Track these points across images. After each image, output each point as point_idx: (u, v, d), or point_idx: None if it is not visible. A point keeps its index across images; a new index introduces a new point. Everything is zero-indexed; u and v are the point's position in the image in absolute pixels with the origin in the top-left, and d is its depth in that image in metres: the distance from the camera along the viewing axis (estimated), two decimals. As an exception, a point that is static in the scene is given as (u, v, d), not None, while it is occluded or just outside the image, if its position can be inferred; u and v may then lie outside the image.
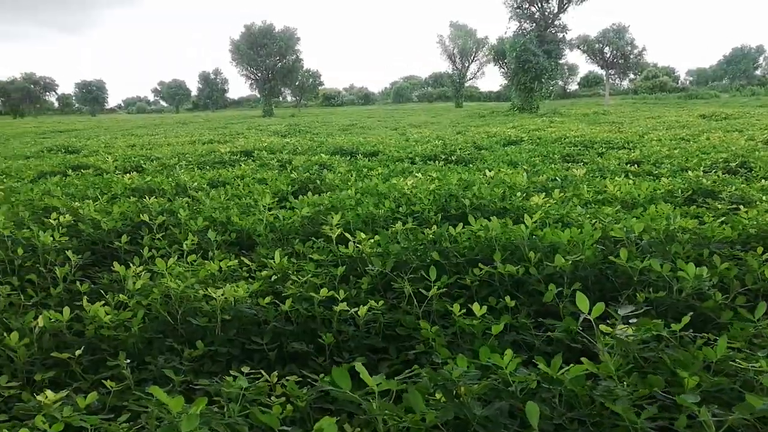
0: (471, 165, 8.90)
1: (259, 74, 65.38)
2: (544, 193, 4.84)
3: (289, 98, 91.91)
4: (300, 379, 2.14)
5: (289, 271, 3.31)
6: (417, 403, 1.56)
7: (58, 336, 2.75)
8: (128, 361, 2.31)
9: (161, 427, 1.56)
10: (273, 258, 3.44)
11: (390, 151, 11.06)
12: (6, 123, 55.74)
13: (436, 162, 9.29)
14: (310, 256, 3.62)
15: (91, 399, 1.93)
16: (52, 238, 3.95)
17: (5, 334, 2.60)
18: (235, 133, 21.54)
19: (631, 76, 75.91)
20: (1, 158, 13.48)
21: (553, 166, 8.18)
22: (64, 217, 4.51)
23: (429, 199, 5.00)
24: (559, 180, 6.42)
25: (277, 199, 5.55)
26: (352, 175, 7.36)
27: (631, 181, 5.84)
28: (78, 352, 2.46)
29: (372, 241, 3.59)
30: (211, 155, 11.20)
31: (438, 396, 1.75)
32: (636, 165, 7.99)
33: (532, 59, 39.62)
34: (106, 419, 1.80)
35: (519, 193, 5.05)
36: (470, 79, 72.44)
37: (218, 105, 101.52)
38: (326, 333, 2.62)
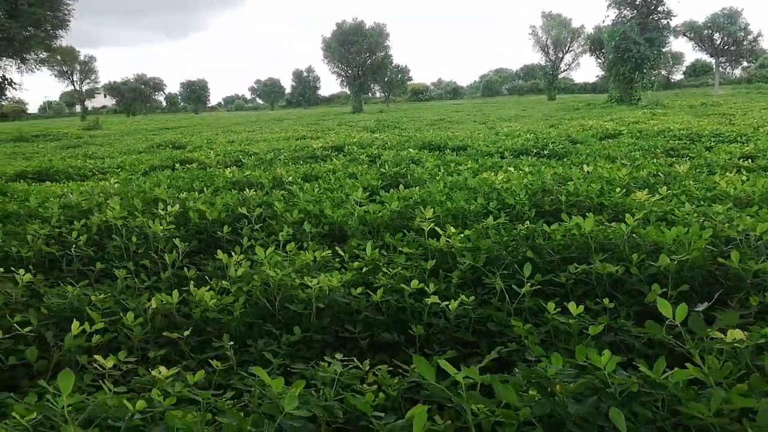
0: (565, 159, 8.59)
1: (350, 71, 66.65)
2: (646, 189, 4.57)
3: (378, 94, 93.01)
4: (391, 368, 2.18)
5: (380, 263, 3.36)
6: (509, 397, 1.54)
7: (168, 317, 2.97)
8: (231, 343, 2.45)
9: (263, 405, 1.65)
10: (364, 250, 3.52)
11: (479, 145, 10.91)
12: (120, 121, 60.78)
13: (528, 156, 9.05)
14: (400, 248, 3.66)
15: (199, 376, 2.08)
16: (162, 227, 4.26)
17: (122, 313, 2.85)
18: (327, 129, 22.15)
19: (745, 64, 69.81)
20: (117, 153, 14.72)
21: (654, 161, 7.70)
22: (173, 208, 4.85)
23: (521, 195, 4.88)
24: (662, 176, 6.03)
25: (367, 192, 5.65)
26: (440, 170, 7.34)
27: (744, 177, 5.38)
28: (186, 333, 2.65)
29: (462, 235, 3.57)
30: (304, 150, 11.59)
31: (531, 393, 1.71)
32: (750, 160, 7.35)
33: (633, 48, 37.37)
34: (213, 395, 1.92)
35: (618, 189, 4.81)
36: (564, 71, 69.81)
37: (310, 102, 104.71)
38: (416, 325, 2.65)
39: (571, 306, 2.41)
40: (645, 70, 38.41)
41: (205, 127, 34.21)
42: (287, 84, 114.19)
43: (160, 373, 2.07)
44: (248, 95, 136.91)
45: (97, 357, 2.24)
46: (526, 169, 6.34)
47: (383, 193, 5.49)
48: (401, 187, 5.46)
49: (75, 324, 2.61)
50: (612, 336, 2.48)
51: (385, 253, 3.63)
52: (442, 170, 7.28)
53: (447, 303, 2.70)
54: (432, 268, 3.26)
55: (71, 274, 3.86)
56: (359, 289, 2.91)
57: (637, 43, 37.46)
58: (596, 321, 2.30)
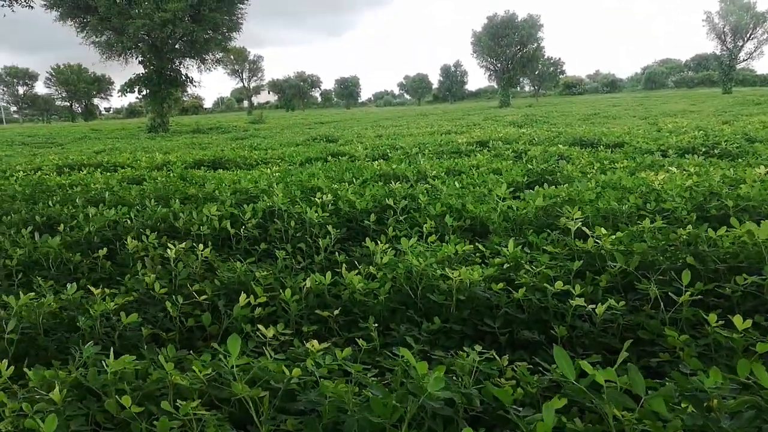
0: (740, 160, 7.67)
1: (499, 65, 65.45)
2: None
3: (527, 88, 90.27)
4: (530, 366, 2.16)
5: (522, 261, 3.32)
6: (658, 406, 1.46)
7: (320, 296, 3.22)
8: (376, 325, 2.60)
9: (404, 385, 1.75)
10: (506, 246, 3.49)
11: (637, 142, 10.14)
12: (280, 115, 65.83)
13: (694, 156, 8.24)
14: (544, 247, 3.58)
15: (347, 353, 2.24)
16: (317, 214, 4.61)
17: (281, 290, 3.15)
18: (472, 124, 22.02)
19: None
20: (277, 144, 16.01)
21: None
22: (326, 197, 5.21)
23: (683, 197, 4.49)
24: None
25: (511, 189, 5.56)
26: (592, 167, 6.98)
27: None
28: (336, 312, 2.86)
29: (613, 237, 3.40)
30: (448, 145, 11.66)
31: (683, 405, 1.61)
32: None
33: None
34: (359, 372, 2.07)
35: (805, 195, 4.22)
36: (744, 61, 61.89)
37: (456, 97, 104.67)
38: (559, 326, 2.59)
39: (737, 320, 2.20)
40: None
41: (355, 122, 35.82)
42: (434, 79, 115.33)
43: (313, 345, 2.27)
44: (396, 91, 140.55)
45: (260, 326, 2.51)
46: (691, 170, 5.79)
47: (528, 191, 5.37)
48: (546, 184, 5.30)
49: (242, 296, 2.94)
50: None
51: (527, 251, 3.58)
52: (595, 168, 6.91)
53: (593, 306, 2.60)
54: (578, 269, 3.14)
55: (239, 252, 4.34)
56: (500, 285, 2.91)
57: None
58: (765, 339, 2.08)
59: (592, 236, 3.43)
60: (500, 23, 65.00)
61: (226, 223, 4.62)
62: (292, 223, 4.58)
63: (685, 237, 3.33)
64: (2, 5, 11.48)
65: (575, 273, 3.14)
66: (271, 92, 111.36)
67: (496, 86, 72.56)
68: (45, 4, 31.46)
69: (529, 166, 7.24)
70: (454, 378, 1.92)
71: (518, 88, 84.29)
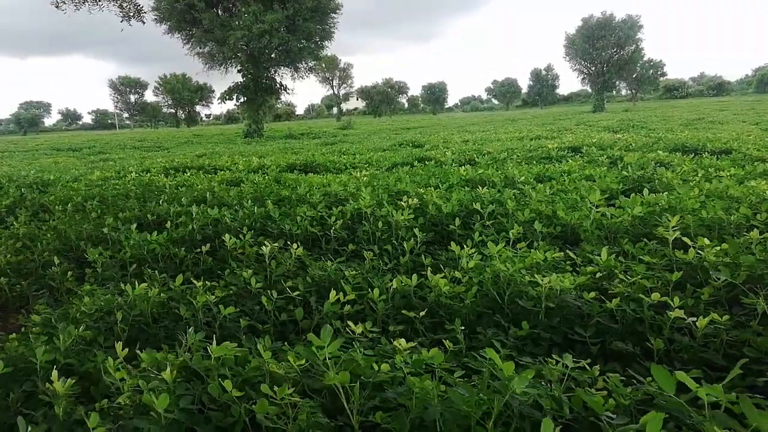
0: None
1: (593, 68, 62.91)
2: None
3: (623, 92, 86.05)
4: (623, 378, 2.09)
5: (616, 270, 3.20)
6: (763, 424, 1.37)
7: (406, 298, 3.27)
8: (462, 328, 2.61)
9: (491, 386, 1.76)
10: (599, 255, 3.38)
11: (747, 149, 9.39)
12: (367, 121, 67.04)
13: (815, 164, 7.50)
14: (640, 257, 3.43)
15: (433, 353, 2.27)
16: (403, 217, 4.67)
17: (369, 289, 3.23)
18: (563, 129, 21.32)
19: None
20: (365, 150, 16.33)
21: None
22: (412, 200, 5.27)
23: (800, 207, 4.12)
24: None
25: (605, 196, 5.35)
26: (695, 175, 6.56)
27: None
28: (421, 314, 2.90)
29: (718, 248, 3.19)
30: (538, 150, 11.38)
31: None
32: None
33: None
34: (445, 371, 2.09)
35: None
36: None
37: (547, 101, 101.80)
38: (656, 338, 2.47)
39: None
40: None
41: (441, 127, 35.76)
42: (524, 83, 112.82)
43: (400, 344, 2.32)
44: (484, 96, 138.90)
45: (349, 323, 2.60)
46: (812, 179, 5.30)
47: (623, 198, 5.15)
48: (646, 191, 5.04)
49: (332, 293, 3.05)
50: None
51: (622, 261, 3.44)
52: (698, 176, 6.49)
53: (694, 319, 2.47)
54: (677, 280, 2.98)
55: (329, 252, 4.49)
56: (592, 294, 2.82)
57: None
58: None
59: (694, 247, 3.24)
60: (596, 25, 62.46)
61: (316, 225, 4.80)
62: (380, 225, 4.67)
63: (801, 250, 3.07)
64: (121, 21, 12.60)
65: (674, 284, 2.99)
66: (359, 99, 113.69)
67: (589, 90, 69.79)
68: (156, 19, 34.10)
69: (625, 172, 6.93)
70: (542, 383, 1.90)
71: (614, 92, 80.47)
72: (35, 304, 4.01)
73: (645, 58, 67.99)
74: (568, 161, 9.10)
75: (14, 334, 3.13)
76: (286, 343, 2.66)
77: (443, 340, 2.48)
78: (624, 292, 2.87)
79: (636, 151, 10.29)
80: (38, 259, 4.77)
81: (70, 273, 4.36)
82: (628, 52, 62.89)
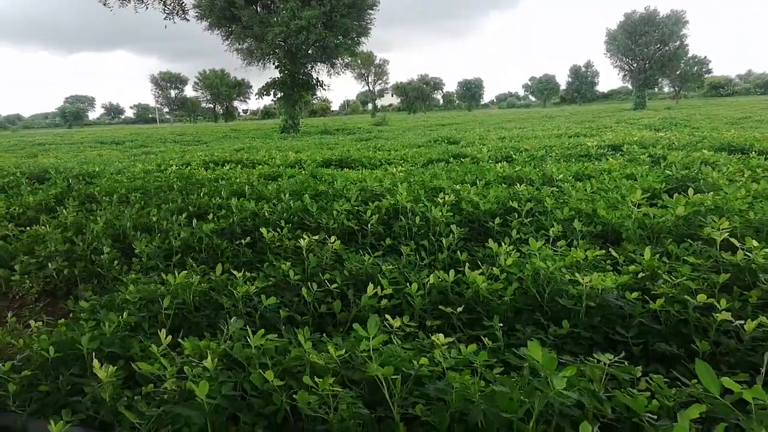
0: None
1: (635, 64, 61.28)
2: None
3: (665, 89, 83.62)
4: (667, 380, 2.05)
5: (660, 271, 3.13)
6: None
7: (443, 293, 3.27)
8: (500, 325, 2.60)
9: (531, 383, 1.74)
10: (641, 254, 3.31)
11: (799, 149, 9.02)
12: (402, 118, 66.91)
13: None
14: (685, 258, 3.34)
15: (471, 349, 2.26)
16: (440, 213, 4.66)
17: (406, 284, 3.24)
18: (602, 127, 20.86)
19: None
20: (400, 146, 16.32)
21: None
22: (449, 197, 5.25)
23: None
24: None
25: (648, 195, 5.23)
26: (742, 175, 6.34)
27: None
28: (459, 310, 2.90)
29: (766, 250, 3.09)
30: (576, 148, 11.17)
31: None
32: None
33: None
34: (485, 367, 2.09)
35: None
36: None
37: (585, 98, 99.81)
38: (701, 340, 2.41)
39: None
40: None
41: (477, 124, 35.45)
42: (562, 80, 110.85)
43: (438, 339, 2.32)
44: (521, 92, 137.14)
45: (387, 316, 2.62)
46: None
47: (666, 197, 5.01)
48: (690, 191, 4.90)
49: (370, 286, 3.08)
50: None
51: (666, 261, 3.36)
52: (745, 176, 6.27)
53: (741, 322, 2.39)
54: (724, 282, 2.90)
55: (365, 246, 4.52)
56: (635, 294, 2.77)
57: None
58: None
59: (742, 248, 3.14)
60: (639, 20, 60.76)
61: (353, 220, 4.83)
62: (417, 220, 4.67)
63: None
64: (164, 18, 12.88)
65: (720, 287, 2.90)
66: (394, 95, 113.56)
67: (630, 87, 68.09)
68: (197, 16, 34.77)
69: (668, 172, 6.74)
70: (583, 382, 1.88)
71: (656, 90, 78.24)
72: (83, 290, 4.17)
73: (689, 55, 65.89)
74: (608, 159, 8.91)
75: (63, 319, 3.26)
76: (324, 335, 2.70)
77: (481, 337, 2.48)
78: (668, 293, 2.81)
79: (679, 149, 10.00)
80: (86, 247, 4.94)
81: (116, 261, 4.50)
82: (672, 49, 61.02)
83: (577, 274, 2.86)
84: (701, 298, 2.60)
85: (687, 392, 1.89)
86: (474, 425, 1.64)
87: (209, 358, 2.23)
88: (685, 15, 60.40)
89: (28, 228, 5.92)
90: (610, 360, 1.92)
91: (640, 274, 3.14)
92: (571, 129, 20.01)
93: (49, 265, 4.55)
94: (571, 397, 1.58)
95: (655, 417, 1.62)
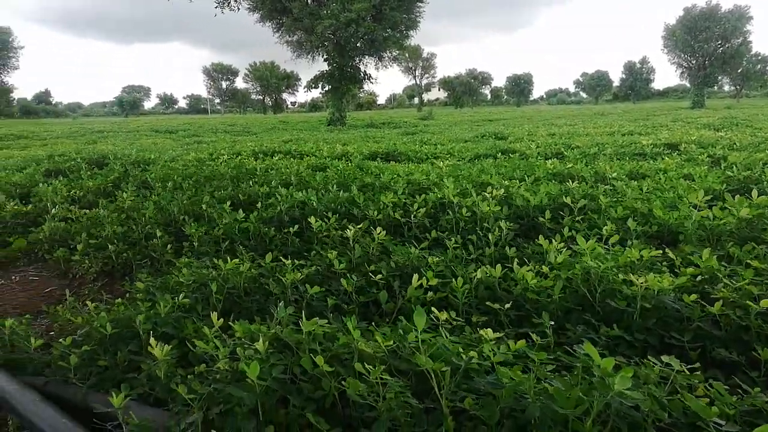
0: None
1: (694, 61, 58.85)
2: None
3: (726, 88, 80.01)
4: (727, 387, 1.96)
5: (720, 274, 3.00)
6: None
7: (490, 289, 3.23)
8: (551, 323, 2.54)
9: (587, 380, 1.70)
10: (700, 256, 3.18)
11: None
12: (448, 112, 66.40)
13: None
14: (748, 261, 3.19)
15: (520, 345, 2.23)
16: (489, 208, 4.61)
17: (452, 278, 3.22)
18: (658, 125, 20.14)
19: None
20: (446, 140, 16.21)
21: None
22: (497, 192, 5.18)
23: None
24: None
25: (708, 197, 5.02)
26: (812, 178, 6.01)
27: None
28: (507, 306, 2.85)
29: (839, 257, 2.92)
30: (630, 146, 10.83)
31: None
32: None
33: None
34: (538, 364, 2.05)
35: None
36: None
37: (640, 96, 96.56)
38: (763, 348, 2.30)
39: None
40: None
41: (525, 119, 34.83)
42: (615, 77, 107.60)
43: (486, 334, 2.30)
44: (572, 88, 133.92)
45: (434, 309, 2.60)
46: None
47: (729, 198, 4.79)
48: (754, 193, 4.68)
49: (415, 278, 3.07)
50: None
51: (726, 264, 3.22)
52: (816, 178, 5.94)
53: (810, 331, 2.27)
54: (791, 289, 2.76)
55: (411, 238, 4.51)
56: (693, 297, 2.66)
57: None
58: None
59: (812, 254, 2.97)
60: (699, 15, 58.24)
61: (399, 212, 4.83)
62: (464, 212, 4.63)
63: None
64: (216, 7, 13.16)
65: (787, 293, 2.76)
66: (441, 89, 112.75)
67: (687, 85, 65.46)
68: (249, 7, 35.40)
69: (729, 173, 6.45)
70: (638, 385, 1.82)
71: (715, 88, 74.93)
72: (138, 272, 4.33)
73: (752, 52, 62.79)
74: (663, 159, 8.59)
75: (120, 299, 3.39)
76: (372, 324, 2.71)
77: (530, 334, 2.43)
78: (728, 297, 2.69)
79: (741, 150, 9.55)
80: (141, 230, 5.12)
81: (169, 246, 4.65)
82: (734, 45, 58.23)
83: (632, 275, 2.77)
84: (765, 303, 2.48)
85: (749, 401, 1.81)
86: (526, 421, 1.62)
87: (260, 340, 2.28)
88: (749, 10, 57.52)
89: (87, 210, 6.18)
90: (675, 364, 1.86)
91: (699, 277, 3.02)
92: (624, 127, 19.41)
93: (109, 246, 4.74)
94: (634, 398, 1.53)
95: (722, 423, 1.55)
